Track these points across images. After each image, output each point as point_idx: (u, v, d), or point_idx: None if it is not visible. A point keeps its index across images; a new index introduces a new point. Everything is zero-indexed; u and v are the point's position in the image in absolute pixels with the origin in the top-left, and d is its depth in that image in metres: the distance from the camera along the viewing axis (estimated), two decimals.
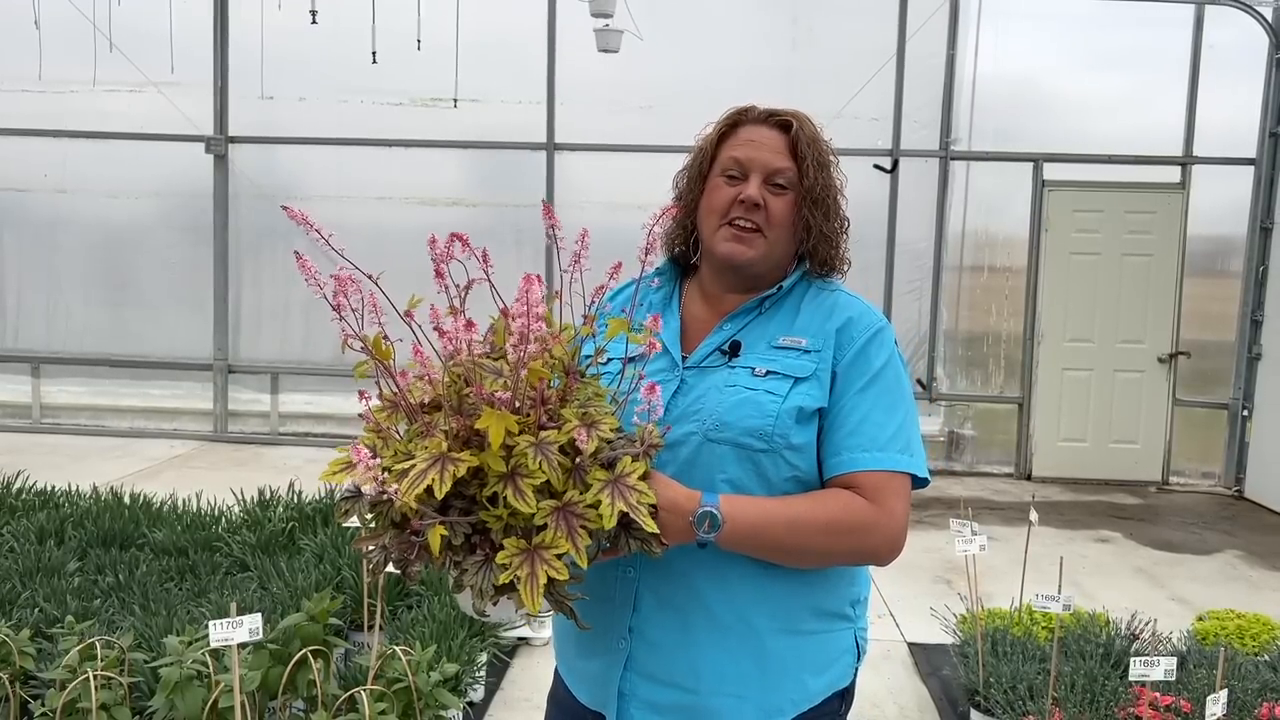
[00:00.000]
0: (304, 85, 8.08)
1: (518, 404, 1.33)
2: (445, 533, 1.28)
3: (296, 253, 1.36)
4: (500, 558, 1.28)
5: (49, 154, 8.30)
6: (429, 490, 1.26)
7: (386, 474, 1.31)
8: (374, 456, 1.32)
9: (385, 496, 1.33)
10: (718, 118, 1.70)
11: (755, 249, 1.62)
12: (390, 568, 1.38)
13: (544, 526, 1.30)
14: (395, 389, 1.40)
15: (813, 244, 1.66)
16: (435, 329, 1.38)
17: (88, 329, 8.44)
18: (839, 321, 1.61)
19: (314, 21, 6.91)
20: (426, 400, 1.40)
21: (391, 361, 1.40)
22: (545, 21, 7.89)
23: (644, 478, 1.35)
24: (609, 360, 1.60)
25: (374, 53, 7.16)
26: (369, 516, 1.37)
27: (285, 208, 1.37)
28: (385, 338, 1.38)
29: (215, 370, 8.30)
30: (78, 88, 8.05)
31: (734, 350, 1.62)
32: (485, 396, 1.31)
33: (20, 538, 4.37)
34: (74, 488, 5.22)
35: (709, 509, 1.45)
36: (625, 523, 1.35)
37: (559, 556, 1.29)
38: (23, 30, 7.56)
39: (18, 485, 5.18)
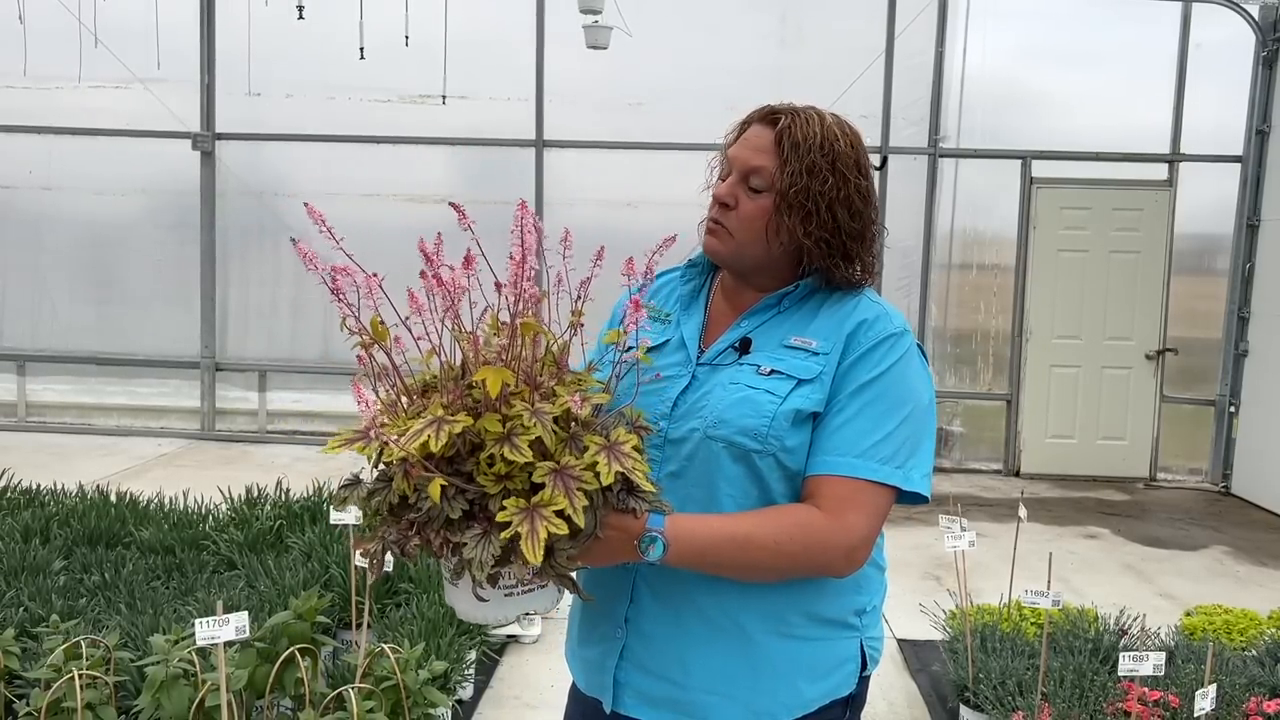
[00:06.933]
0: (291, 82, 8.03)
1: (513, 356, 1.38)
2: (445, 483, 1.32)
3: (293, 239, 1.40)
4: (501, 517, 1.31)
5: (34, 151, 8.23)
6: (429, 457, 1.30)
7: (389, 436, 1.34)
8: (379, 425, 1.36)
9: (382, 484, 1.37)
10: None
11: (725, 246, 1.61)
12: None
13: (543, 487, 1.34)
14: (390, 365, 1.43)
15: (807, 251, 1.58)
16: (433, 276, 1.40)
17: (73, 327, 8.38)
18: (852, 325, 1.56)
19: (300, 17, 6.87)
20: (427, 379, 1.45)
21: (388, 343, 1.43)
22: (534, 18, 7.86)
23: (639, 450, 1.40)
24: (629, 349, 1.56)
25: (361, 49, 7.12)
26: (366, 501, 1.40)
27: (306, 205, 1.41)
28: (381, 321, 1.42)
29: (203, 368, 8.26)
30: (63, 84, 7.99)
31: (744, 347, 1.61)
32: (481, 354, 1.38)
33: (5, 537, 4.34)
34: (60, 486, 5.19)
35: (653, 533, 1.43)
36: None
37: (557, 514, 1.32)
38: (7, 26, 7.51)
39: (3, 484, 5.14)
